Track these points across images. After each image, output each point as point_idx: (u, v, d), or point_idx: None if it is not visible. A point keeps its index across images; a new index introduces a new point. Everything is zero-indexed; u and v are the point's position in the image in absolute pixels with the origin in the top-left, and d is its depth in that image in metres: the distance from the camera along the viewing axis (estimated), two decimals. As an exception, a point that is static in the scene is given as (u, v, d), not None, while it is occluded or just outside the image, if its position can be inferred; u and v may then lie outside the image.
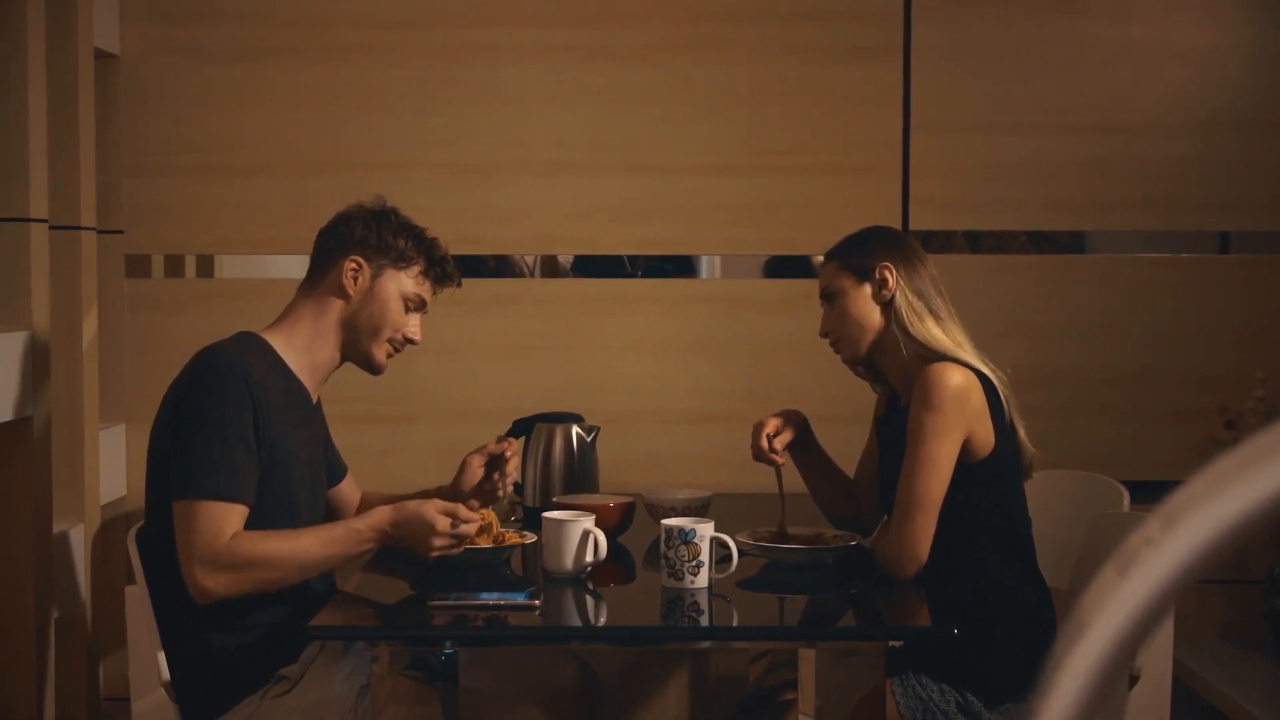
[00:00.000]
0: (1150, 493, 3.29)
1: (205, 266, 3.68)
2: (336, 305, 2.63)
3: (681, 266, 3.66)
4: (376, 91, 3.54)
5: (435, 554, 2.42)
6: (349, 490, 2.91)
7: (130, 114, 3.51)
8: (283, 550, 2.38)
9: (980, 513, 2.55)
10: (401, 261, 2.64)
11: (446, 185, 3.54)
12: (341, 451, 2.92)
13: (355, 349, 2.65)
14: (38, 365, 2.93)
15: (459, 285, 2.77)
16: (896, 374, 2.66)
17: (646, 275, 3.63)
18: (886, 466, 2.67)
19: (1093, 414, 3.58)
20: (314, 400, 2.69)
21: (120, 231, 3.50)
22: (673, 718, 3.58)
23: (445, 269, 2.71)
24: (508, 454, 2.77)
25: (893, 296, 2.62)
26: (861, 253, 2.67)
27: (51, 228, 3.03)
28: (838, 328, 2.68)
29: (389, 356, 2.68)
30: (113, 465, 3.39)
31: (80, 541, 3.13)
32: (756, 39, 3.54)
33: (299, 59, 3.53)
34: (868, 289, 2.65)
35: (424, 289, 2.68)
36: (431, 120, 3.55)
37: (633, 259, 3.64)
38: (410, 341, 2.69)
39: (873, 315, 2.64)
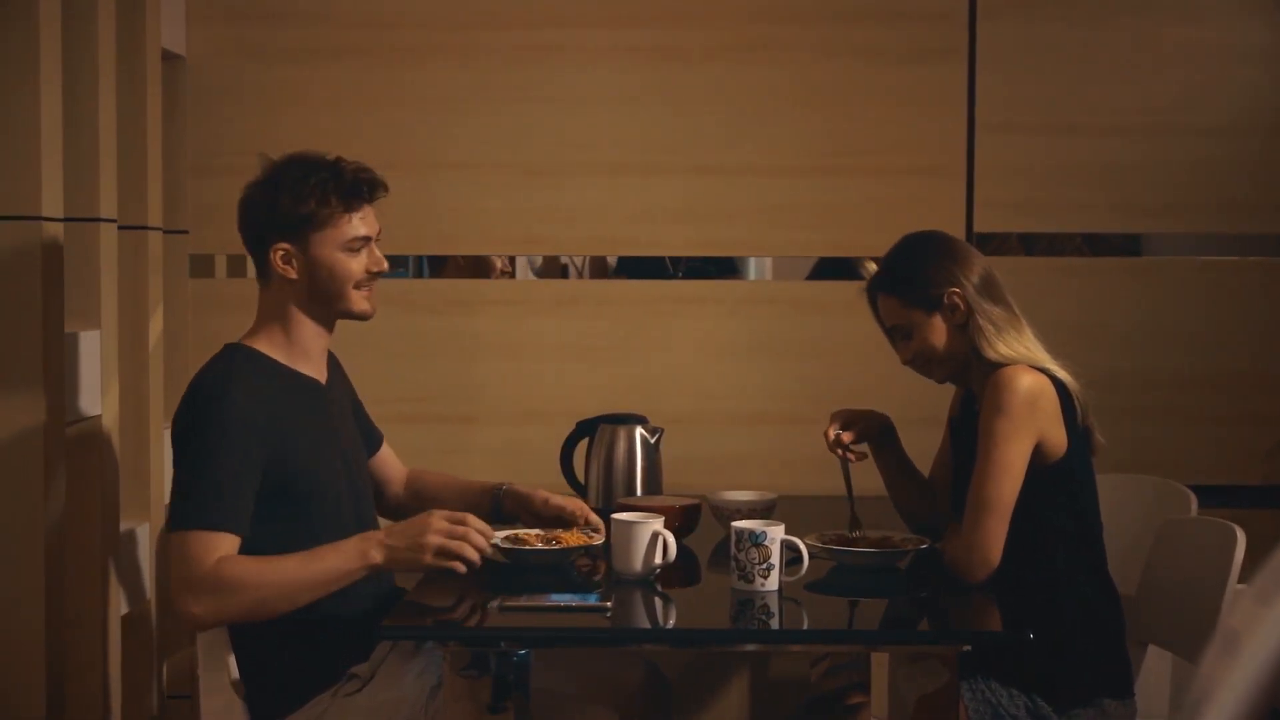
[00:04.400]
0: (1217, 497, 3.28)
1: (267, 267, 3.70)
2: (288, 291, 2.56)
3: (724, 268, 3.65)
4: (440, 92, 3.55)
5: (429, 557, 2.31)
6: (389, 459, 2.90)
7: (195, 114, 3.53)
8: (263, 570, 2.32)
9: (1051, 515, 2.53)
10: (318, 223, 2.52)
11: (510, 186, 3.55)
12: (403, 452, 2.92)
13: (331, 313, 2.59)
14: (105, 365, 2.95)
15: (384, 190, 2.59)
16: (975, 381, 2.64)
17: (688, 276, 3.62)
18: (961, 469, 2.66)
19: (1158, 418, 3.55)
20: (323, 380, 2.64)
21: (185, 231, 3.52)
22: (734, 719, 3.58)
23: (358, 193, 2.54)
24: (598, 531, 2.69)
25: (966, 319, 2.58)
26: (921, 282, 2.59)
27: (120, 228, 3.05)
28: (923, 359, 2.63)
29: (369, 296, 2.58)
30: (177, 464, 3.41)
31: (145, 540, 3.15)
32: (820, 40, 3.53)
33: (363, 60, 3.54)
34: (940, 317, 2.59)
35: (356, 226, 2.54)
36: (495, 121, 3.55)
37: (675, 260, 3.63)
38: (379, 273, 2.58)
39: (953, 339, 2.59)
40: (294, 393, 2.55)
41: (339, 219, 2.53)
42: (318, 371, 2.63)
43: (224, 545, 2.34)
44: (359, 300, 2.58)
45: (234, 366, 2.49)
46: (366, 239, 2.57)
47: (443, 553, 2.32)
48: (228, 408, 2.39)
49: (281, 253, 2.54)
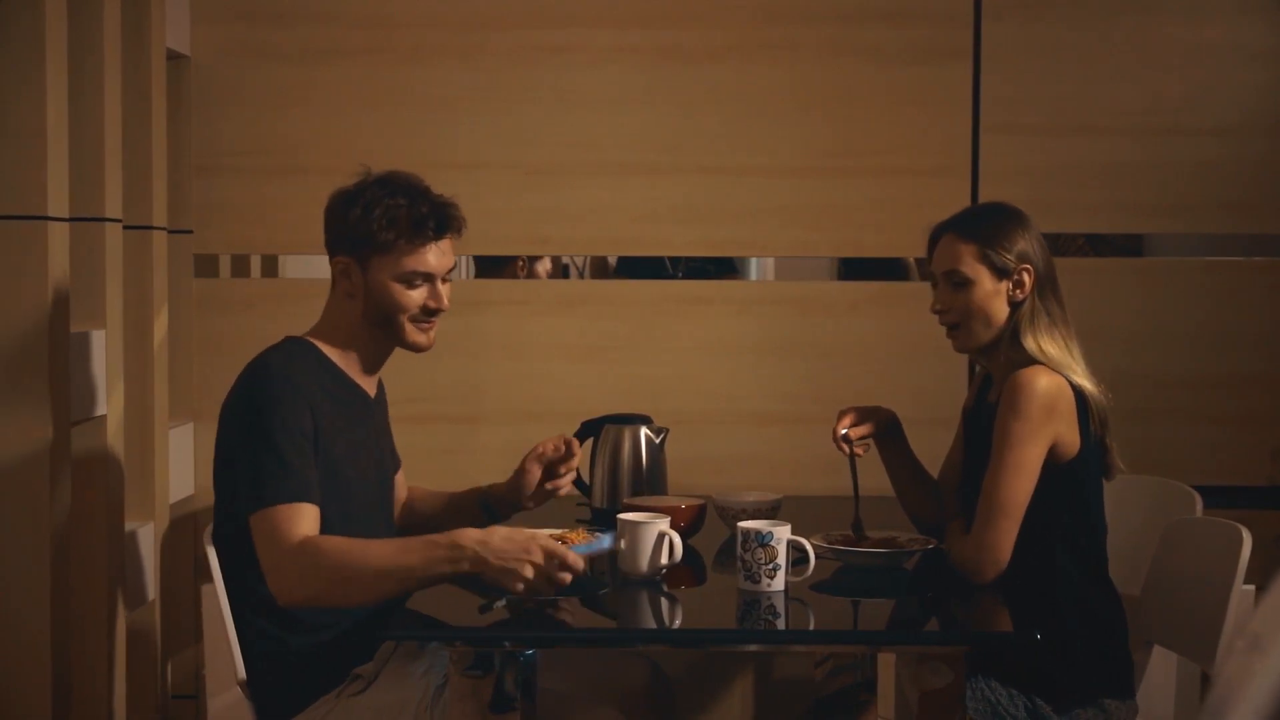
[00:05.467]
0: (1222, 498, 3.28)
1: (270, 266, 3.70)
2: (351, 303, 2.58)
3: (724, 267, 3.65)
4: (445, 93, 3.54)
5: (521, 588, 2.23)
6: (399, 484, 2.89)
7: (200, 114, 3.52)
8: (351, 549, 2.31)
9: (1056, 516, 2.53)
10: (377, 247, 2.52)
11: (512, 186, 3.55)
12: (406, 451, 2.92)
13: (388, 338, 2.60)
14: (110, 364, 2.95)
15: (457, 230, 2.59)
16: (999, 367, 2.63)
17: (688, 276, 3.62)
18: (972, 461, 2.65)
19: (1162, 419, 3.55)
20: (371, 395, 2.67)
21: (189, 231, 3.52)
22: (737, 719, 3.58)
23: (422, 229, 2.53)
24: (575, 452, 2.72)
25: (1022, 300, 2.58)
26: (1004, 245, 2.56)
27: (124, 227, 3.05)
28: (960, 315, 2.60)
29: (426, 330, 2.59)
30: (181, 464, 3.41)
31: (150, 540, 3.15)
32: (826, 41, 3.53)
33: (367, 60, 3.54)
34: (1004, 287, 2.58)
35: (418, 261, 2.53)
36: (498, 121, 3.55)
37: (674, 260, 3.63)
38: (437, 311, 2.57)
39: (1002, 314, 2.58)
40: (341, 394, 2.57)
41: (399, 248, 2.52)
42: (369, 385, 2.66)
43: (307, 516, 2.35)
44: (412, 332, 2.58)
45: (292, 355, 2.52)
46: (429, 276, 2.55)
47: (533, 589, 2.24)
48: (285, 387, 2.42)
49: (341, 265, 2.56)
